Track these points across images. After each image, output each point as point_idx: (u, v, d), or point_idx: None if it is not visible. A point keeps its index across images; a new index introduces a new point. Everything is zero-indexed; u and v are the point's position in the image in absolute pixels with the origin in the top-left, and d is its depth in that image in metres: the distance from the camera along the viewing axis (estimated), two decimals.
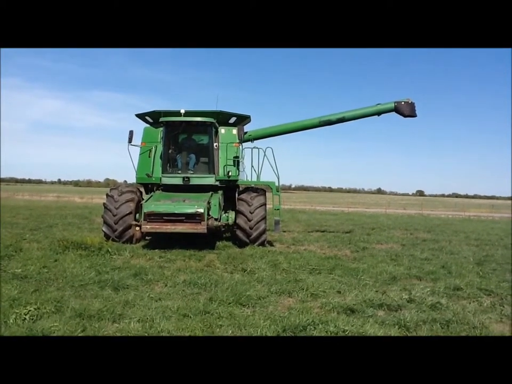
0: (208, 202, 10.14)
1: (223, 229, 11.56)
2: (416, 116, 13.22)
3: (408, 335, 4.54)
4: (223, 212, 11.17)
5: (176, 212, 9.59)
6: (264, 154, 11.60)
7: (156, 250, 9.51)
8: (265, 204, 10.96)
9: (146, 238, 11.62)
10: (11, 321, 4.45)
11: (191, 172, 11.34)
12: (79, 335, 4.17)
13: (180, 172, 11.34)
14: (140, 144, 11.77)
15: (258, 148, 11.89)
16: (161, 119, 11.07)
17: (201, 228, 9.58)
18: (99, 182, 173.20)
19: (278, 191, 11.67)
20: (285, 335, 4.41)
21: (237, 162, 11.64)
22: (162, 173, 11.21)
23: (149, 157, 11.51)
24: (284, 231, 14.98)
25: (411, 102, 13.05)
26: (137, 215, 10.58)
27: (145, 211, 9.64)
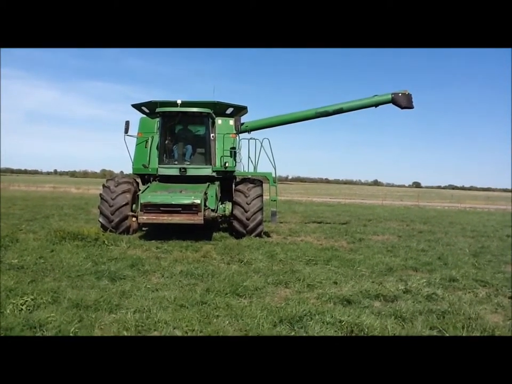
0: (205, 193, 10.12)
1: (219, 220, 11.57)
2: (413, 108, 13.17)
3: (404, 325, 4.56)
4: (219, 203, 11.15)
5: (173, 202, 9.57)
6: (261, 145, 11.54)
7: (153, 241, 9.52)
8: (262, 195, 10.96)
9: (143, 228, 11.61)
10: (8, 311, 4.44)
11: (188, 163, 11.29)
12: (76, 325, 4.16)
13: (176, 162, 11.29)
14: (136, 134, 11.71)
15: (255, 139, 11.83)
16: (158, 110, 10.99)
17: (198, 219, 9.58)
18: (95, 172, 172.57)
19: (274, 182, 11.64)
20: (281, 325, 4.43)
21: (233, 153, 11.61)
22: (158, 163, 11.16)
23: (146, 147, 11.45)
24: (281, 222, 15.01)
25: (408, 94, 12.99)
26: (133, 205, 10.58)
27: (142, 202, 9.61)
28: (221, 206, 11.14)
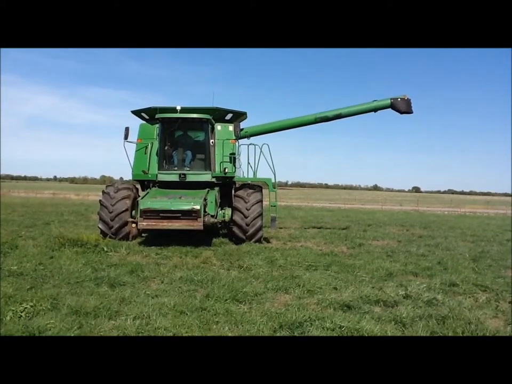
0: (205, 199, 10.12)
1: (219, 226, 11.56)
2: (412, 113, 13.19)
3: (405, 331, 4.55)
4: (219, 209, 11.16)
5: (172, 208, 9.58)
6: (261, 151, 11.54)
7: (152, 247, 9.51)
8: (261, 201, 10.96)
9: (143, 234, 11.60)
10: (7, 318, 4.43)
11: (187, 169, 11.31)
12: (75, 332, 4.15)
13: (176, 168, 11.31)
14: (135, 140, 11.73)
15: (254, 145, 11.84)
16: (157, 116, 11.02)
17: (197, 225, 9.58)
18: (95, 178, 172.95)
19: (274, 188, 11.64)
20: (281, 331, 4.42)
21: (233, 159, 11.62)
22: (158, 169, 11.18)
23: (145, 153, 11.47)
24: (280, 228, 15.00)
25: (407, 99, 13.01)
26: (133, 212, 10.58)
27: (141, 208, 9.61)
28: (220, 211, 11.14)
